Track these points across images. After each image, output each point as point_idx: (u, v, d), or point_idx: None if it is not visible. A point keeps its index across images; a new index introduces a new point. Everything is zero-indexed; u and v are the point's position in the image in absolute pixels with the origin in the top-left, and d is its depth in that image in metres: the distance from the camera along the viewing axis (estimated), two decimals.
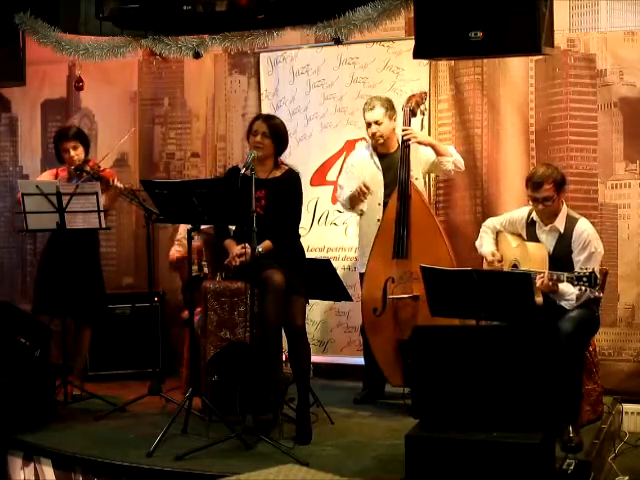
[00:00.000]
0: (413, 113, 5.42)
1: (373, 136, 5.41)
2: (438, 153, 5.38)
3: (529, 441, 3.90)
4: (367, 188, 5.25)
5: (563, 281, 4.48)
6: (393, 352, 5.27)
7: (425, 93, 5.62)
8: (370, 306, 5.34)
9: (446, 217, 5.90)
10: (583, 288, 4.39)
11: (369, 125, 5.40)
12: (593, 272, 4.36)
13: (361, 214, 5.50)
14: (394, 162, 5.38)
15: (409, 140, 5.30)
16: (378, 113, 5.36)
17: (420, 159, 5.45)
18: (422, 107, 5.50)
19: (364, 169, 5.48)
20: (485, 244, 5.04)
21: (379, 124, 5.37)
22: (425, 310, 4.87)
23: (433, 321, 4.84)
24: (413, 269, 5.10)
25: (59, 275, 5.48)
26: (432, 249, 5.20)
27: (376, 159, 5.47)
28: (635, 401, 5.32)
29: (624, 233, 5.51)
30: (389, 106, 5.40)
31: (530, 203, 4.83)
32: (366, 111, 5.40)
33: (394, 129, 5.43)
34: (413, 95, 5.49)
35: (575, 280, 4.39)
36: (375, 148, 5.48)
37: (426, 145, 5.39)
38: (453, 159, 5.38)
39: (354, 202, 5.40)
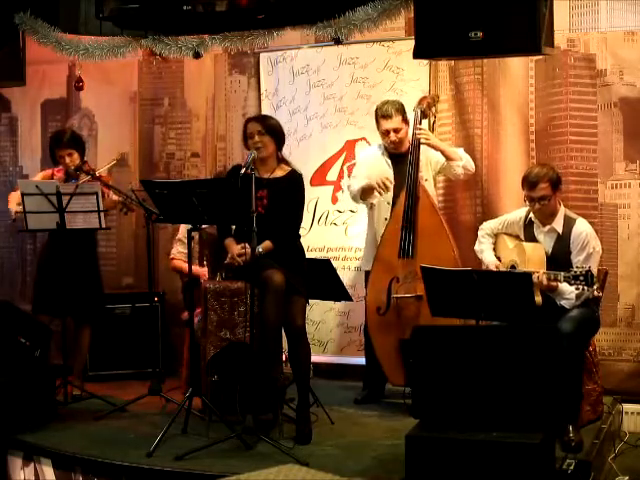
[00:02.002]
0: (424, 115, 5.41)
1: (392, 143, 5.39)
2: (447, 158, 5.37)
3: (529, 441, 3.90)
4: (389, 181, 5.22)
5: (560, 280, 4.48)
6: (395, 351, 5.27)
7: (437, 96, 5.63)
8: (374, 305, 5.34)
9: (446, 217, 5.88)
10: (580, 287, 4.39)
11: (387, 132, 5.37)
12: (589, 271, 4.36)
13: (371, 208, 5.48)
14: (405, 162, 5.37)
15: (420, 141, 5.30)
16: (396, 121, 5.35)
17: (431, 160, 5.44)
18: (433, 109, 5.50)
19: (374, 168, 5.47)
20: (487, 253, 5.03)
21: (397, 132, 5.36)
22: (427, 310, 4.87)
23: (435, 321, 4.84)
24: (418, 269, 5.09)
25: (58, 275, 5.48)
26: (438, 250, 5.20)
27: (387, 159, 5.47)
28: (635, 401, 5.32)
29: (624, 233, 5.51)
30: (403, 111, 5.39)
31: (527, 203, 4.83)
32: (382, 119, 5.36)
33: (407, 131, 5.43)
34: (425, 97, 5.49)
35: (572, 279, 4.40)
36: (386, 147, 5.48)
37: (435, 149, 5.38)
38: (463, 163, 5.37)
39: (366, 194, 5.38)
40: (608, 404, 5.10)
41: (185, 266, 5.63)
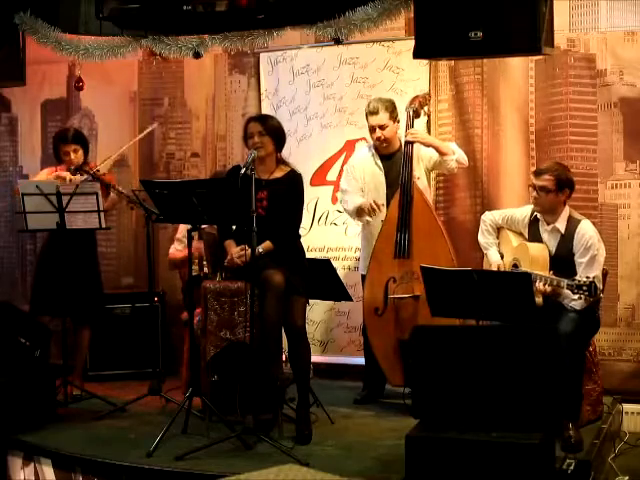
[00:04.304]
0: (417, 114, 5.42)
1: (378, 140, 5.39)
2: (440, 153, 5.37)
3: (529, 441, 3.90)
4: (378, 207, 5.24)
5: (563, 287, 4.48)
6: (394, 352, 5.27)
7: (429, 95, 5.63)
8: (371, 306, 5.34)
9: (446, 217, 5.90)
10: (583, 297, 4.39)
11: (373, 129, 5.38)
12: (593, 282, 4.36)
13: (367, 223, 5.48)
14: (396, 162, 5.38)
15: (412, 142, 5.30)
16: (382, 117, 5.33)
17: (422, 157, 5.44)
18: (425, 108, 5.50)
19: (365, 170, 5.48)
20: (492, 251, 5.01)
21: (383, 128, 5.35)
22: (426, 310, 4.87)
23: (434, 321, 4.84)
24: (414, 269, 5.10)
25: (57, 275, 5.48)
26: (433, 249, 5.20)
27: (378, 160, 5.47)
28: (635, 401, 5.31)
29: (624, 233, 5.51)
30: (392, 108, 5.38)
31: (529, 190, 4.83)
32: (369, 115, 5.36)
33: (397, 130, 5.43)
34: (417, 96, 5.49)
35: (575, 288, 4.38)
36: (377, 148, 5.48)
37: (428, 146, 5.38)
38: (456, 157, 5.36)
39: (360, 214, 5.40)
40: (608, 404, 5.10)
41: (179, 254, 5.65)
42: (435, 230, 5.27)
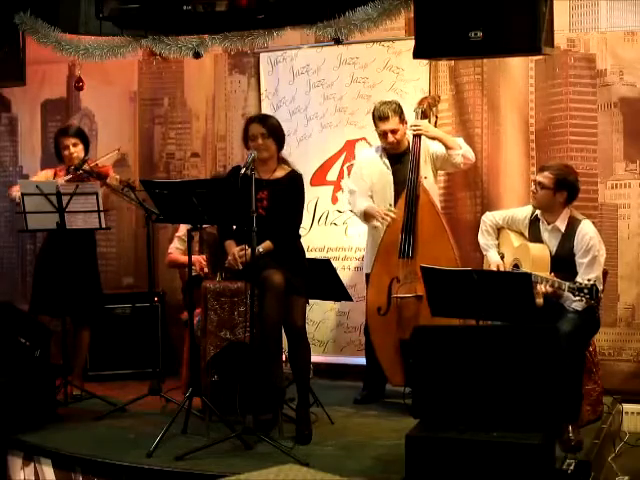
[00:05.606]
0: (425, 115, 5.42)
1: (390, 144, 5.39)
2: (447, 146, 5.37)
3: (529, 441, 3.90)
4: (388, 215, 5.25)
5: (564, 290, 4.47)
6: (395, 351, 5.27)
7: (438, 96, 5.64)
8: (375, 305, 5.35)
9: (446, 216, 5.89)
10: (584, 300, 4.39)
11: (385, 134, 5.36)
12: (595, 285, 4.36)
13: (374, 228, 5.47)
14: (404, 162, 5.38)
15: (418, 134, 5.31)
16: (393, 122, 5.34)
17: (430, 153, 5.44)
18: (434, 109, 5.50)
19: (373, 169, 5.48)
20: (492, 252, 5.01)
21: (395, 132, 5.36)
22: (428, 310, 4.87)
23: (435, 321, 4.83)
24: (418, 269, 5.09)
25: (56, 275, 5.48)
26: (438, 250, 5.20)
27: (385, 159, 5.47)
28: (635, 401, 5.32)
29: (624, 233, 5.51)
30: (400, 110, 5.38)
31: (531, 184, 4.89)
32: (380, 121, 5.35)
33: (406, 130, 5.43)
34: (425, 97, 5.51)
35: (576, 291, 4.38)
36: (384, 148, 5.48)
37: (434, 138, 5.38)
38: (462, 151, 5.36)
39: (368, 219, 5.41)
40: (608, 404, 5.10)
41: (181, 258, 5.64)
42: (440, 231, 5.27)
